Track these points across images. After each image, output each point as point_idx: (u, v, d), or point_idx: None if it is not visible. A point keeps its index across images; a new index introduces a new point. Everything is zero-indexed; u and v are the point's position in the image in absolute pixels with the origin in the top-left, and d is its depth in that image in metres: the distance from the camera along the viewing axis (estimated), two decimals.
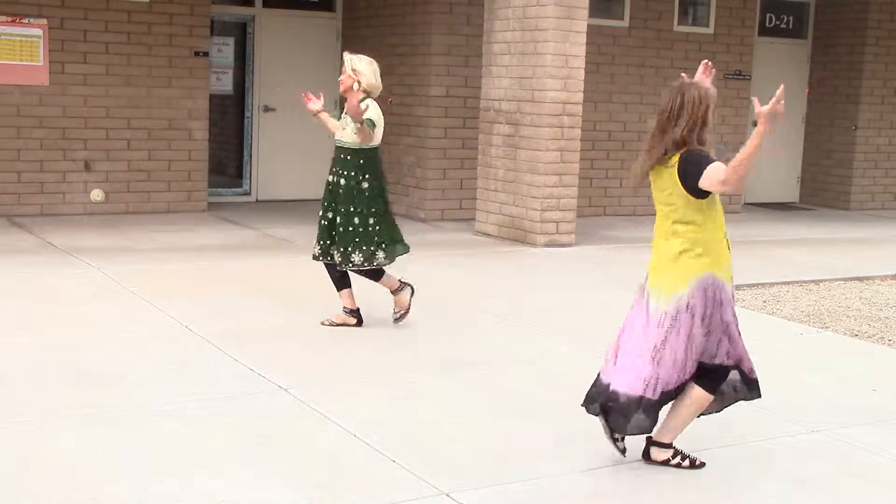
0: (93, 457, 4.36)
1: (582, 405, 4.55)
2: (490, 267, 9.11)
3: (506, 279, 8.58)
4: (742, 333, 4.47)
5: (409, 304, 6.77)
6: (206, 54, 11.47)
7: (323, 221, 6.57)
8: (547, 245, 10.04)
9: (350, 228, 6.41)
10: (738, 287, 8.52)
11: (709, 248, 4.37)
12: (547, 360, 6.16)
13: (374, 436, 4.72)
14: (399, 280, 6.76)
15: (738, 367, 4.48)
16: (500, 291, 8.04)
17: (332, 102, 13.20)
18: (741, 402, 5.48)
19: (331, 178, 6.52)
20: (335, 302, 7.47)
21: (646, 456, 4.53)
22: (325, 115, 6.81)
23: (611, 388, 4.42)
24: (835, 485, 4.44)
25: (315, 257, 6.63)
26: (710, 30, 13.16)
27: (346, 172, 6.44)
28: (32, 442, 4.51)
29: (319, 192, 13.06)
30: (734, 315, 4.42)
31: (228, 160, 13.09)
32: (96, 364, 5.68)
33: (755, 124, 4.23)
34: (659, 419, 4.43)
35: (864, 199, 14.46)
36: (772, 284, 8.77)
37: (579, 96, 10.06)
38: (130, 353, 5.89)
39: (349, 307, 6.69)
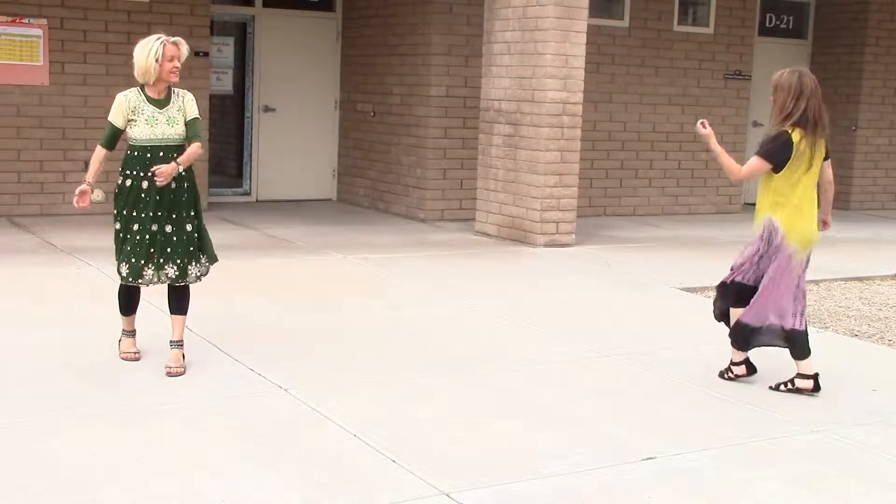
0: (93, 457, 4.36)
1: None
2: (490, 267, 9.11)
3: (506, 279, 8.58)
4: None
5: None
6: (206, 54, 11.47)
7: (146, 235, 5.55)
8: (547, 245, 10.04)
9: (197, 236, 5.74)
10: None
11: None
12: (547, 360, 6.16)
13: (374, 436, 4.72)
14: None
15: None
16: (500, 291, 8.04)
17: (333, 103, 13.22)
18: (742, 403, 5.49)
19: (145, 183, 5.53)
20: (335, 301, 7.47)
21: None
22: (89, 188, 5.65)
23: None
24: (835, 485, 4.44)
25: (145, 280, 5.62)
26: (710, 30, 13.17)
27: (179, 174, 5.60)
28: (32, 442, 4.51)
29: (319, 192, 13.29)
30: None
31: (228, 160, 13.10)
32: (96, 364, 5.68)
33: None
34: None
35: (864, 199, 14.47)
36: None
37: (579, 96, 10.06)
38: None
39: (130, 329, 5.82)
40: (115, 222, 5.62)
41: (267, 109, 12.78)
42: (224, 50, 12.64)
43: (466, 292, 7.93)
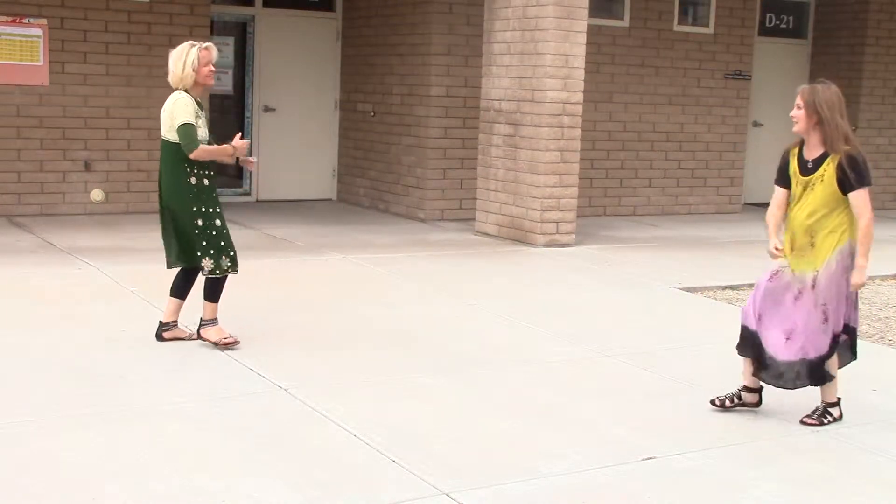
0: (93, 457, 4.36)
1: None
2: (490, 267, 9.11)
3: (506, 279, 8.58)
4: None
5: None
6: None
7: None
8: (547, 245, 10.04)
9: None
10: (737, 287, 8.54)
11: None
12: (547, 360, 6.16)
13: (374, 436, 4.72)
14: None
15: None
16: (500, 291, 8.04)
17: (333, 103, 13.22)
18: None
19: (208, 181, 6.02)
20: (334, 301, 7.47)
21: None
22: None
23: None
24: (835, 485, 4.44)
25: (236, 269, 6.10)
26: (710, 30, 13.16)
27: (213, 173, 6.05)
28: (32, 442, 4.51)
29: (319, 192, 13.30)
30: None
31: None
32: (96, 364, 5.68)
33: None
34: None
35: None
36: None
37: (579, 96, 10.07)
38: (130, 353, 5.89)
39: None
40: (199, 219, 5.91)
41: (267, 109, 12.78)
42: (224, 50, 12.62)
43: (466, 292, 7.93)
